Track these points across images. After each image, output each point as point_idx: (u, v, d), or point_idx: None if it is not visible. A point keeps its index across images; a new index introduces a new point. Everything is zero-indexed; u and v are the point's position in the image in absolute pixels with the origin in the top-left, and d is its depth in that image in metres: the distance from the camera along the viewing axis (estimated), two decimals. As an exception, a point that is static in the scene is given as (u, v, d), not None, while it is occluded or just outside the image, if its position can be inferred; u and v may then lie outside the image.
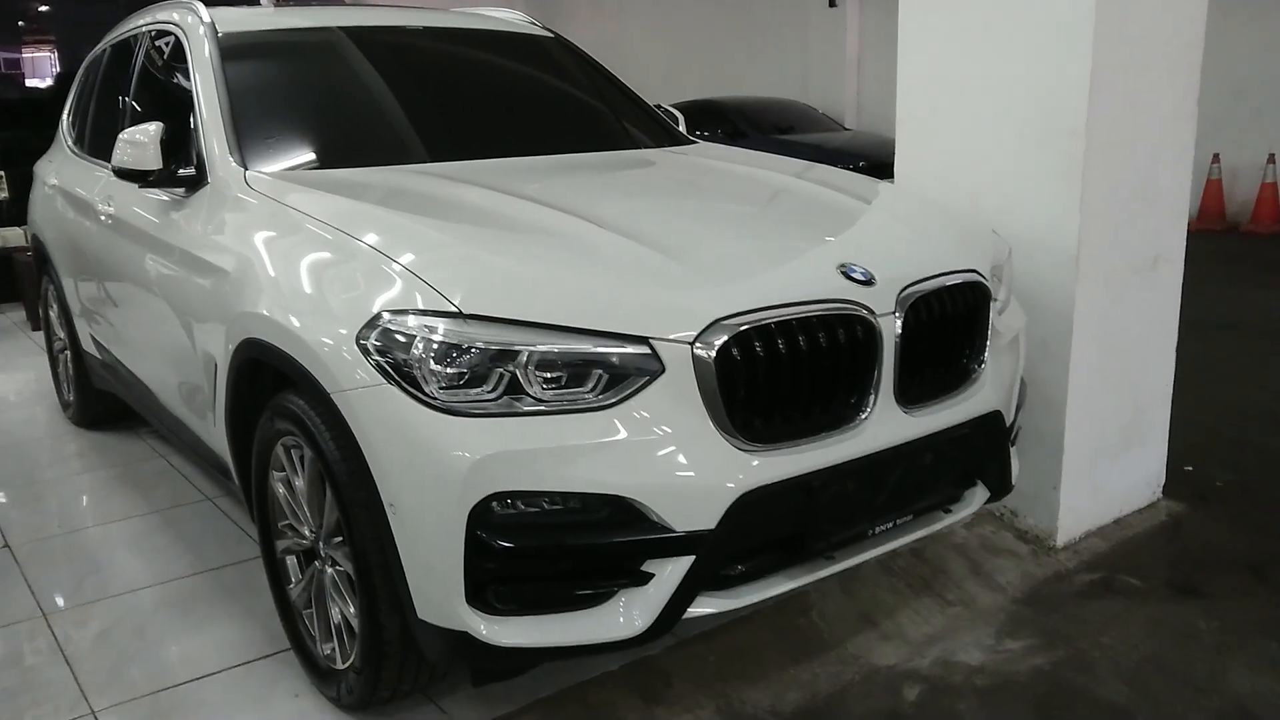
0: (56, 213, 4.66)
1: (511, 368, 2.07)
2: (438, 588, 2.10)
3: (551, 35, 4.21)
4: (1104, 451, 3.55)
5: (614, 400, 2.10)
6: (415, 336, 2.08)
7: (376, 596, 2.24)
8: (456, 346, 2.06)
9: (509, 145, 3.43)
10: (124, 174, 3.13)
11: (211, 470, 3.24)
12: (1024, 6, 3.26)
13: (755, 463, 2.17)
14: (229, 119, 3.13)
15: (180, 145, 3.21)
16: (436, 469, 2.05)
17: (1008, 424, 2.73)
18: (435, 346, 2.07)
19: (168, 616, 3.15)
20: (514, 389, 2.07)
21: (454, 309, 2.09)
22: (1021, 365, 2.95)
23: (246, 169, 2.99)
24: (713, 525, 2.11)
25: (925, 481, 2.51)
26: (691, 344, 2.12)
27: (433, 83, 3.69)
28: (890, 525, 2.45)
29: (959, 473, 2.68)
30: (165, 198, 3.24)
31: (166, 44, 3.77)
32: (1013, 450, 2.86)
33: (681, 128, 4.11)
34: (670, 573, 2.11)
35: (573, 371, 2.10)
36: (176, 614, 3.16)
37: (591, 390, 2.10)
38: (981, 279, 2.63)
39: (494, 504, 2.05)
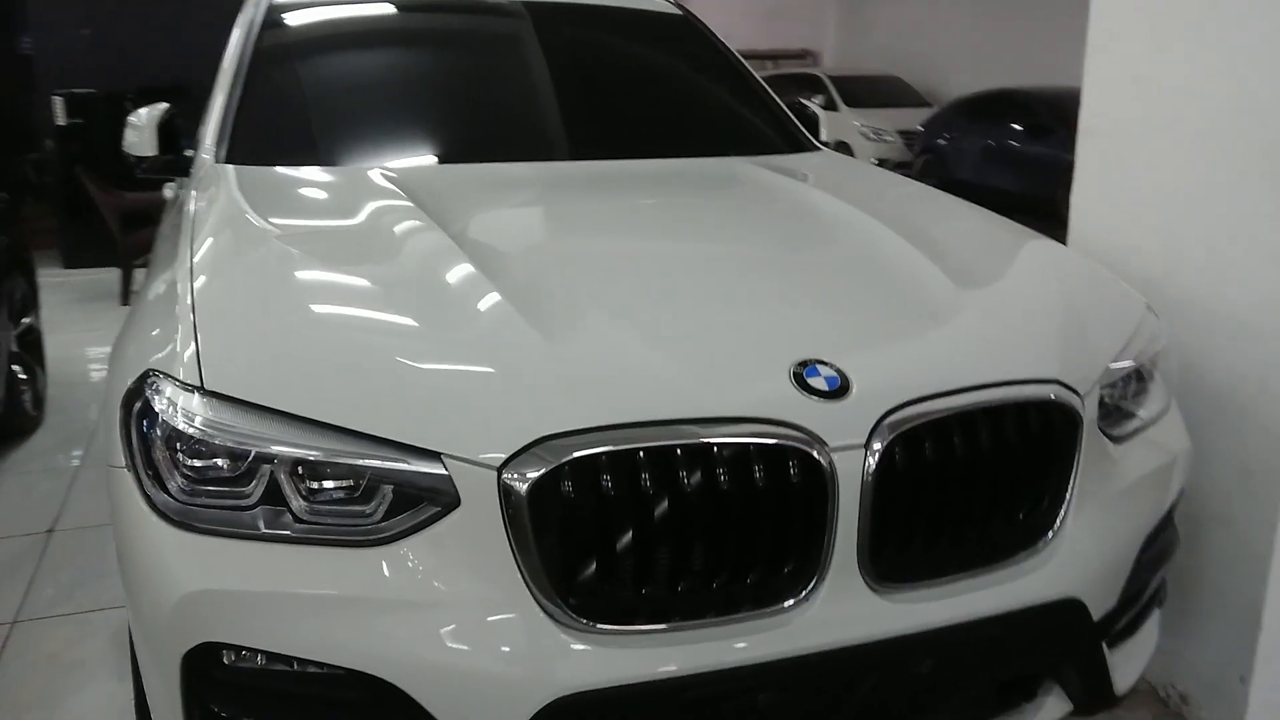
0: None
1: (270, 471, 1.49)
2: None
3: (679, 14, 3.51)
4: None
5: (388, 536, 1.47)
6: (163, 412, 1.55)
7: None
8: (190, 435, 1.51)
9: (540, 147, 2.81)
10: (127, 159, 2.84)
11: None
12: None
13: (587, 652, 1.45)
14: (235, 104, 2.74)
15: None
16: (147, 596, 1.53)
17: (1101, 615, 1.78)
18: (173, 429, 1.53)
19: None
20: (274, 500, 1.50)
21: (196, 383, 1.54)
22: (1167, 505, 1.98)
23: (225, 163, 2.58)
24: None
25: (927, 698, 1.66)
26: (499, 470, 1.44)
27: (488, 70, 3.11)
28: None
29: (1002, 683, 1.79)
30: (169, 190, 2.93)
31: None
32: (1120, 647, 1.92)
33: (824, 131, 3.31)
34: None
35: (348, 487, 1.49)
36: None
37: (372, 517, 1.48)
38: (1063, 396, 1.71)
39: (219, 656, 1.49)
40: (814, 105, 3.39)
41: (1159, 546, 1.99)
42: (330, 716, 1.50)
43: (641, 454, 1.46)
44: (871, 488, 1.53)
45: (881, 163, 13.71)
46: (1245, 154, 2.27)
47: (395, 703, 1.44)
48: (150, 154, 2.77)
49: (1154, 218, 2.51)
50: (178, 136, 2.83)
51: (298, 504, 1.49)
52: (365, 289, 1.87)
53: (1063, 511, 1.73)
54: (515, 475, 1.43)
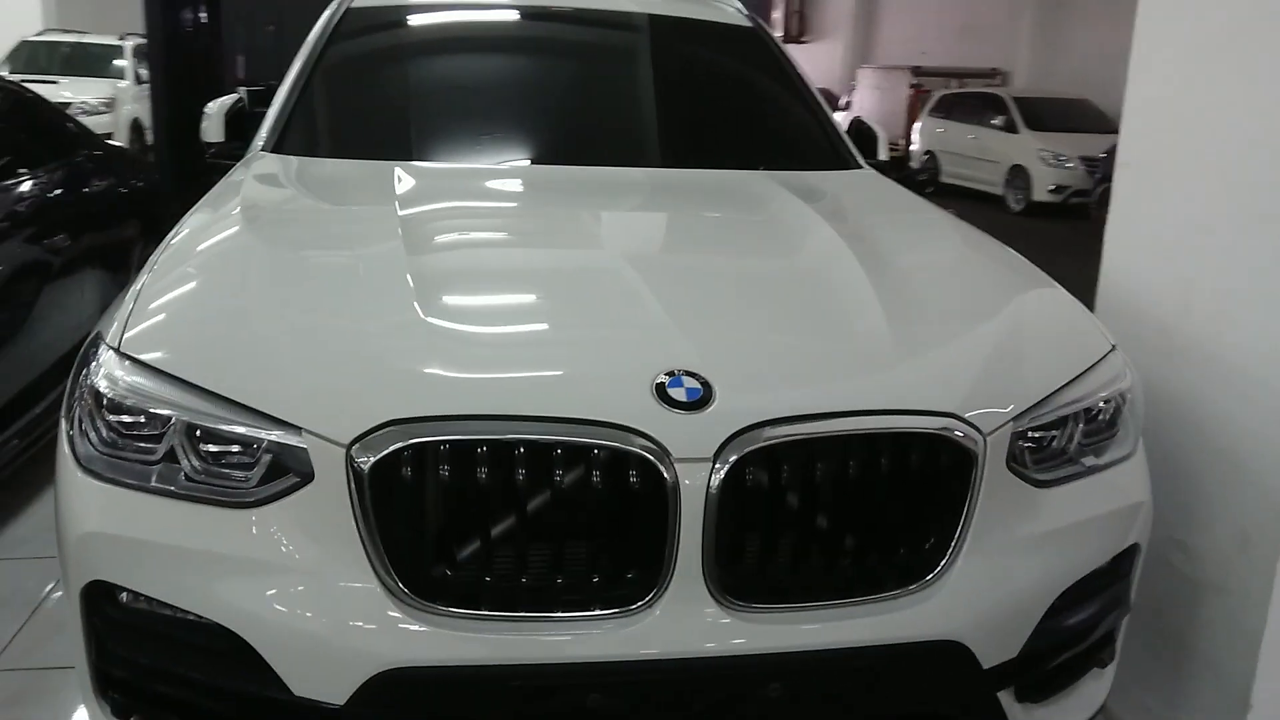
0: None
1: (169, 432, 1.63)
2: (81, 665, 1.74)
3: (747, 25, 3.49)
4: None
5: (256, 500, 1.57)
6: (91, 371, 1.72)
7: None
8: (105, 393, 1.66)
9: (560, 152, 2.88)
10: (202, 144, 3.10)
11: None
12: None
13: (419, 631, 1.51)
14: (293, 100, 2.95)
15: None
16: (61, 533, 1.69)
17: (995, 664, 1.69)
18: (94, 387, 1.69)
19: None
20: (174, 459, 1.63)
21: (115, 346, 1.70)
22: (1104, 559, 1.85)
23: (273, 151, 2.79)
24: (340, 702, 1.51)
25: None
26: (348, 448, 1.52)
27: (542, 76, 3.20)
28: None
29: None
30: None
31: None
32: (1046, 704, 1.82)
33: (882, 149, 3.25)
34: None
35: (234, 453, 1.61)
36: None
37: (248, 482, 1.59)
38: (956, 432, 1.63)
39: (113, 595, 1.64)
40: (872, 124, 3.32)
41: (1097, 602, 1.87)
42: (198, 662, 1.61)
43: (483, 447, 1.51)
44: (716, 503, 1.52)
45: (1059, 189, 13.07)
46: (1263, 196, 2.11)
47: (247, 656, 1.55)
48: (218, 140, 3.02)
49: (1176, 259, 2.35)
50: (245, 125, 3.06)
51: (189, 464, 1.62)
52: (295, 271, 2.00)
53: (951, 551, 1.66)
54: (362, 454, 1.51)
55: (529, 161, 2.86)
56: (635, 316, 1.82)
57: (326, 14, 3.24)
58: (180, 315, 1.80)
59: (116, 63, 13.79)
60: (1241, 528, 2.17)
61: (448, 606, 1.53)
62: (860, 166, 3.07)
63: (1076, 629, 1.85)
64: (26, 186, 3.81)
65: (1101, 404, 1.89)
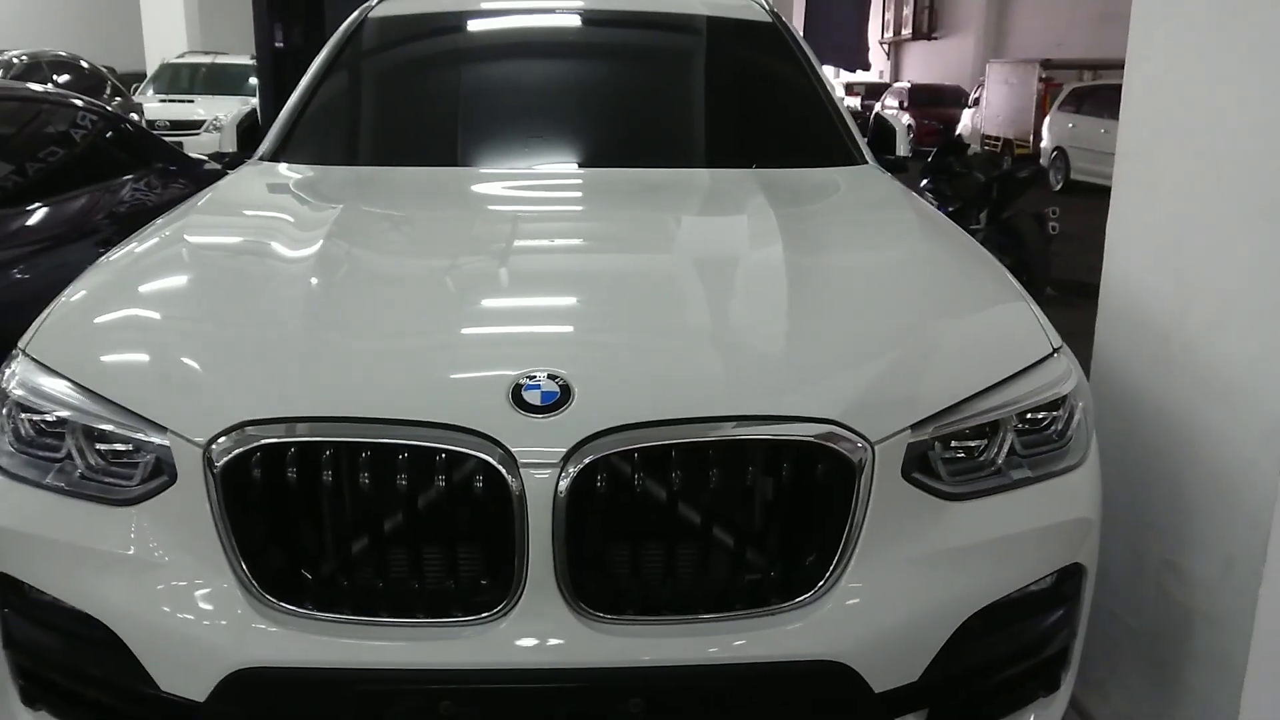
0: None
1: (68, 433, 1.68)
2: None
3: (766, 20, 3.39)
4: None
5: (132, 499, 1.61)
6: (6, 377, 1.80)
7: None
8: (16, 396, 1.73)
9: (544, 153, 2.86)
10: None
11: None
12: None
13: (272, 632, 1.52)
14: (294, 113, 3.02)
15: None
16: None
17: (889, 688, 1.58)
18: (5, 392, 1.75)
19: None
20: (71, 458, 1.69)
21: (24, 350, 1.77)
22: (1031, 579, 1.71)
23: (269, 160, 2.86)
24: (201, 699, 1.53)
25: None
26: (205, 448, 1.54)
27: (544, 81, 3.19)
28: None
29: None
30: None
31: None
32: None
33: (901, 145, 3.12)
34: None
35: (119, 452, 1.65)
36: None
37: (131, 481, 1.63)
38: (836, 439, 1.54)
39: (19, 587, 1.70)
40: (892, 119, 3.19)
41: (1032, 626, 1.73)
42: (84, 654, 1.66)
43: (328, 450, 1.51)
44: (565, 511, 1.47)
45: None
46: (1264, 195, 1.91)
47: (121, 651, 1.59)
48: (230, 150, 3.12)
49: (1174, 257, 2.16)
50: (258, 137, 3.16)
51: (84, 463, 1.67)
52: (206, 280, 2.04)
53: (834, 567, 1.56)
54: (217, 455, 1.53)
55: (510, 166, 2.85)
56: (508, 318, 1.81)
57: (327, 50, 3.29)
58: (82, 323, 1.86)
59: (252, 81, 14.52)
60: (1228, 549, 1.97)
61: (305, 609, 1.54)
62: (865, 162, 2.94)
63: (1005, 655, 1.72)
64: (109, 194, 4.09)
65: (1045, 412, 1.75)
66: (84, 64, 13.26)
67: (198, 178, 5.00)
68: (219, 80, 14.29)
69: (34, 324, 1.86)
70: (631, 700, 1.52)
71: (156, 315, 1.87)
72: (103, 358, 1.74)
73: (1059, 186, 14.59)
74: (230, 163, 3.16)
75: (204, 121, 12.60)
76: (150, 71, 15.10)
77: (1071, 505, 1.76)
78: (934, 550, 1.62)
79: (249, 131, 3.14)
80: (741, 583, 1.57)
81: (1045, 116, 16.14)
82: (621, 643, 1.52)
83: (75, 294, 1.94)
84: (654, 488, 1.52)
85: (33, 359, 1.75)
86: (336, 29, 3.33)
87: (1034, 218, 7.40)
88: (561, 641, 1.51)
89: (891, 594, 1.58)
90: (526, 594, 1.50)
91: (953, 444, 1.68)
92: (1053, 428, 1.77)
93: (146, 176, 4.49)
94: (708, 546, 1.57)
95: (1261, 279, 1.90)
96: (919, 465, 1.62)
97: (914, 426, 1.61)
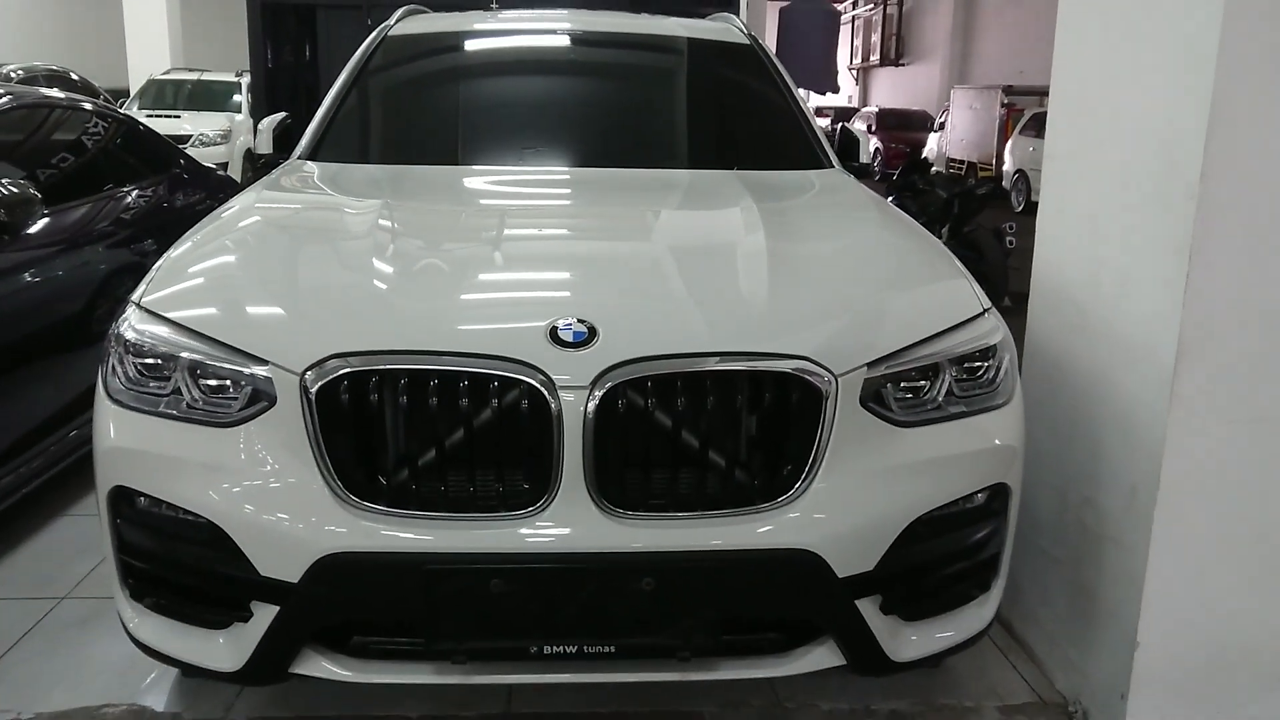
0: None
1: (176, 370, 2.04)
2: (109, 556, 2.16)
3: (744, 42, 3.82)
4: (1218, 663, 2.39)
5: (237, 420, 1.97)
6: (120, 322, 2.15)
7: None
8: (131, 341, 2.09)
9: (553, 156, 3.27)
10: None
11: None
12: (1153, 10, 2.28)
13: (355, 524, 1.88)
14: (329, 116, 3.40)
15: None
16: (94, 451, 2.12)
17: (850, 574, 1.97)
18: (123, 337, 2.11)
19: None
20: (178, 391, 2.05)
21: (138, 303, 2.13)
22: (965, 492, 2.11)
23: (308, 159, 3.24)
24: (295, 579, 1.89)
25: (651, 613, 1.93)
26: (301, 376, 1.91)
27: (549, 90, 3.61)
28: (586, 651, 1.94)
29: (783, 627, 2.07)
30: None
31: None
32: (919, 624, 2.11)
33: (863, 154, 3.53)
34: (261, 618, 1.96)
35: (221, 384, 2.01)
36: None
37: (233, 406, 1.99)
38: (807, 373, 1.94)
39: (131, 498, 2.05)
40: (857, 131, 3.61)
41: (966, 533, 2.12)
42: (192, 550, 2.01)
43: (404, 378, 1.88)
44: (594, 425, 1.85)
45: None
46: (1150, 180, 2.32)
47: (226, 544, 1.94)
48: (268, 152, 3.48)
49: (1090, 243, 2.57)
50: (292, 140, 3.52)
51: (190, 395, 2.03)
52: (287, 243, 2.45)
53: (805, 475, 1.95)
54: (311, 381, 1.90)
55: (524, 164, 3.24)
56: (549, 278, 2.23)
57: (354, 60, 3.68)
58: (189, 278, 2.24)
59: (235, 98, 14.84)
60: (1131, 484, 2.37)
61: (380, 506, 1.90)
62: (832, 166, 3.36)
63: (943, 555, 2.11)
64: (129, 198, 4.40)
65: (977, 360, 2.15)
66: (74, 77, 13.54)
67: (214, 184, 5.36)
68: (203, 96, 14.60)
69: (142, 281, 2.22)
70: (644, 579, 1.90)
71: (248, 270, 2.26)
72: (208, 306, 2.11)
73: (1020, 208, 15.18)
74: (268, 163, 3.52)
75: (190, 136, 12.89)
76: (134, 88, 15.37)
77: (999, 434, 2.16)
78: (886, 465, 2.01)
79: (282, 136, 3.51)
80: (732, 487, 1.96)
81: (1008, 140, 16.77)
82: (637, 533, 1.90)
83: (176, 254, 2.32)
84: (661, 413, 1.90)
85: (145, 309, 2.11)
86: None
87: (993, 232, 7.88)
88: (588, 531, 1.89)
89: (851, 499, 1.97)
90: (561, 494, 1.88)
91: (902, 384, 2.07)
92: (984, 375, 2.17)
93: (168, 180, 4.83)
94: (705, 458, 1.95)
95: (1154, 257, 2.31)
96: (874, 398, 2.02)
97: (870, 364, 2.01)
